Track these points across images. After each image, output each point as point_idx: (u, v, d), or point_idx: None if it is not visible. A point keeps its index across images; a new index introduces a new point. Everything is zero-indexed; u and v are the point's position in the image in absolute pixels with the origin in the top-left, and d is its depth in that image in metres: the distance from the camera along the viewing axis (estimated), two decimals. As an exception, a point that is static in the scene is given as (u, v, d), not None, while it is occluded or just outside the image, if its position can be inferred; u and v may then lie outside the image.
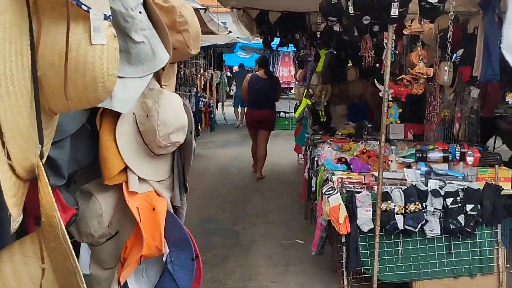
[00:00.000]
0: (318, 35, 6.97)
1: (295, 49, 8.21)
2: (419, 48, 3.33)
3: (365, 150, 4.39)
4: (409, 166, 4.01)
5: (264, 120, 7.09)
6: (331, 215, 3.36)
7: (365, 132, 5.51)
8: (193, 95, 8.75)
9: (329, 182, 3.57)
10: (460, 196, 3.33)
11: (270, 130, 7.29)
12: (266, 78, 7.06)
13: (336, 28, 7.16)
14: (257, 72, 7.25)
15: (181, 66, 11.84)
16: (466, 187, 3.36)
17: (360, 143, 4.78)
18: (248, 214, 5.64)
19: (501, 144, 5.93)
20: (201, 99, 9.60)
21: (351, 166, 4.09)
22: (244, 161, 8.65)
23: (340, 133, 5.70)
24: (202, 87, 11.60)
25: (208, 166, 8.29)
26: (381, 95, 4.45)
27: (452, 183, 3.41)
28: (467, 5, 3.69)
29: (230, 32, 8.18)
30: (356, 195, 3.37)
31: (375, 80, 4.55)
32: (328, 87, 6.56)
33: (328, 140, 5.09)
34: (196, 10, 5.42)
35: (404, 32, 3.29)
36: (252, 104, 7.15)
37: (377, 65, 6.73)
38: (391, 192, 3.36)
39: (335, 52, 6.48)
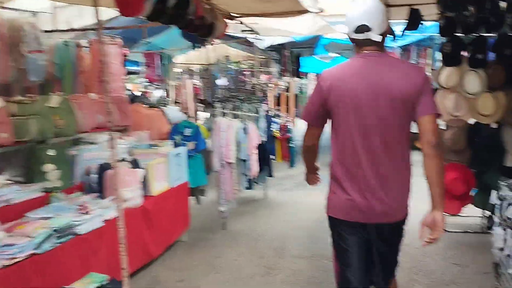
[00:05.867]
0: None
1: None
2: None
3: None
4: None
5: None
6: None
7: None
8: (261, 116, 5.58)
9: None
10: None
11: None
12: None
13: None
14: None
15: (243, 72, 8.83)
16: None
17: None
18: None
19: None
20: (273, 120, 6.41)
21: None
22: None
23: None
24: (275, 102, 8.45)
25: (274, 223, 5.07)
26: None
27: None
28: None
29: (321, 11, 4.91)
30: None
31: None
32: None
33: None
34: None
35: None
36: None
37: None
38: None
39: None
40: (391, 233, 2.24)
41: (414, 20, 4.48)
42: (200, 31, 3.96)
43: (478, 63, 4.28)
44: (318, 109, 2.24)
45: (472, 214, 4.74)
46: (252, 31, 6.11)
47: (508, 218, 2.68)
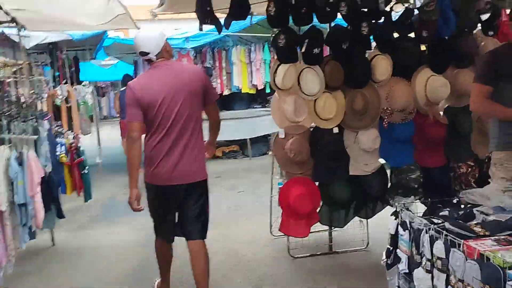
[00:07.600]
0: None
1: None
2: None
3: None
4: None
5: None
6: None
7: None
8: (43, 137, 3.98)
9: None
10: None
11: None
12: None
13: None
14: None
15: (2, 81, 6.76)
16: None
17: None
18: None
19: None
20: (58, 140, 4.82)
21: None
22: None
23: None
24: (54, 116, 6.65)
25: (74, 284, 3.66)
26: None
27: None
28: None
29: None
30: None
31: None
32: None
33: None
34: None
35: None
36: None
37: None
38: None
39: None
40: (195, 189, 3.05)
41: (241, 8, 3.63)
42: None
43: (314, 59, 3.69)
44: (136, 110, 2.91)
45: (312, 230, 4.10)
46: (13, 21, 4.42)
47: (439, 258, 1.98)
